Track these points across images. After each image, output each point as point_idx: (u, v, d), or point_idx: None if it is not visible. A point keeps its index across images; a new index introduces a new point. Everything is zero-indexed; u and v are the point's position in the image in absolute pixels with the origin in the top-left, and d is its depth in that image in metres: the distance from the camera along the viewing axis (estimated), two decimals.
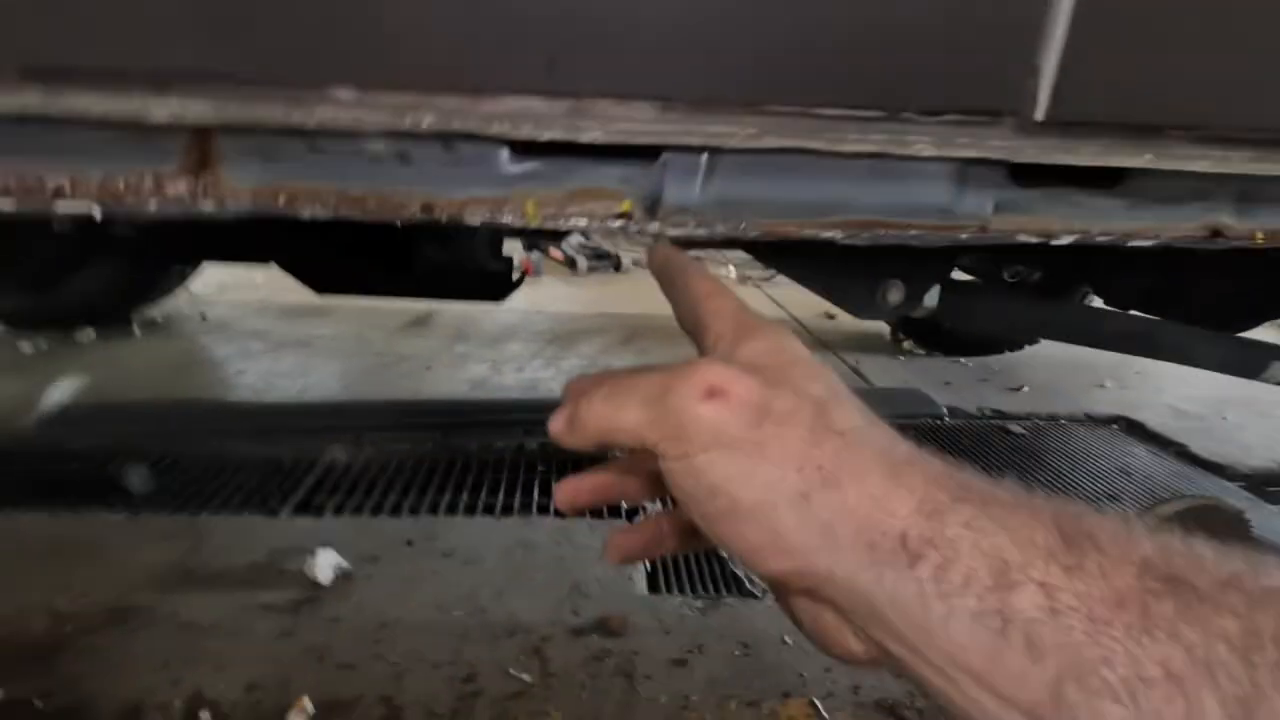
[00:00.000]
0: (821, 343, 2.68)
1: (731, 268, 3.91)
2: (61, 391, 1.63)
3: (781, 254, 0.85)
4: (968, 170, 0.52)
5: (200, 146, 0.49)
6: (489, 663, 0.89)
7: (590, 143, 0.44)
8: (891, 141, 0.44)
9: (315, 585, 1.02)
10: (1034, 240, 0.56)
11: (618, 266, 3.88)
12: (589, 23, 0.39)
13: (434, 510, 1.29)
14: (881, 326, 2.77)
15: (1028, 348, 2.46)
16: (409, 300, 1.66)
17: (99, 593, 0.98)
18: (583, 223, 0.53)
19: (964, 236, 0.54)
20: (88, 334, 2.15)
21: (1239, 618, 0.18)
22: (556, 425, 0.30)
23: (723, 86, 0.42)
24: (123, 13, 0.38)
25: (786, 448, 0.24)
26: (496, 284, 1.12)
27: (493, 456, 1.53)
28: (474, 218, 0.52)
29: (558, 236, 2.42)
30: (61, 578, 1.01)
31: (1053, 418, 1.94)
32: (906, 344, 2.58)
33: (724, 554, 1.19)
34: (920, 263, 0.83)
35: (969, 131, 0.44)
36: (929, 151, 0.44)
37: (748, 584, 1.11)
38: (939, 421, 1.85)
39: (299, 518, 1.23)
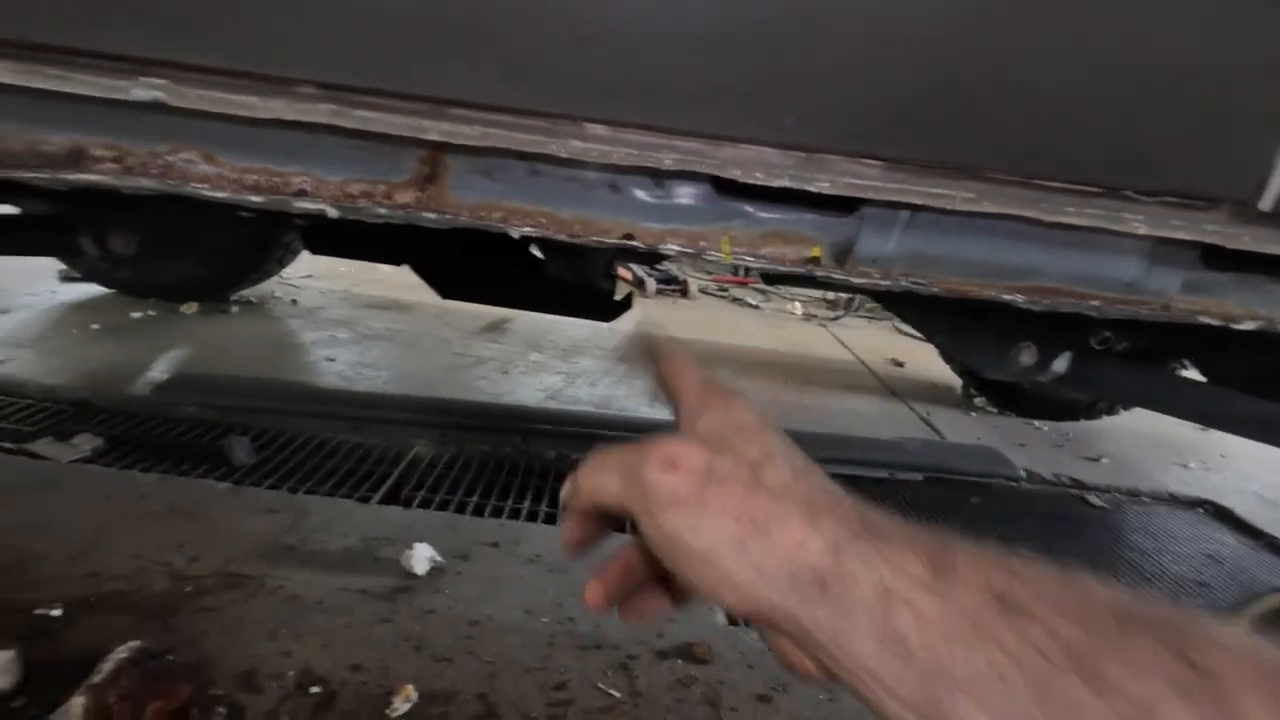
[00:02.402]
0: (890, 389, 2.65)
1: (798, 304, 3.90)
2: (170, 361, 1.73)
3: (910, 304, 0.86)
4: (1160, 248, 0.53)
5: (432, 162, 0.53)
6: (578, 673, 0.91)
7: (816, 192, 0.46)
8: (1107, 217, 0.45)
9: (409, 575, 1.06)
10: (1214, 323, 0.56)
11: (685, 293, 3.91)
12: (836, 86, 0.42)
13: (515, 515, 1.32)
14: (951, 379, 2.73)
15: (1105, 417, 2.39)
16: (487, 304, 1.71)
17: (211, 557, 1.03)
18: (767, 264, 0.55)
19: (1144, 313, 0.54)
20: (191, 307, 2.27)
21: (1043, 623, 0.24)
22: (565, 490, 0.38)
23: (949, 152, 0.44)
24: (417, 43, 0.42)
25: (725, 503, 0.30)
26: (610, 305, 1.15)
27: (570, 468, 1.56)
28: (670, 249, 0.54)
29: (653, 259, 2.45)
30: (176, 538, 1.07)
31: (1134, 493, 1.88)
32: (978, 400, 2.53)
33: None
34: (1056, 328, 0.83)
35: (1184, 215, 0.45)
36: (1142, 230, 0.45)
37: None
38: (1015, 484, 1.81)
39: (387, 507, 1.28)
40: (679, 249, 0.54)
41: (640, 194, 0.53)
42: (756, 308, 4.17)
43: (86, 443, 1.36)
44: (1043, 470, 1.93)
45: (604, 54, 0.43)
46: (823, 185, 0.45)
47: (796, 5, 0.42)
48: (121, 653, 0.77)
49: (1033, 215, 0.46)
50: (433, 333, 2.51)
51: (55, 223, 1.17)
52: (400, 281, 3.25)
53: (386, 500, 1.31)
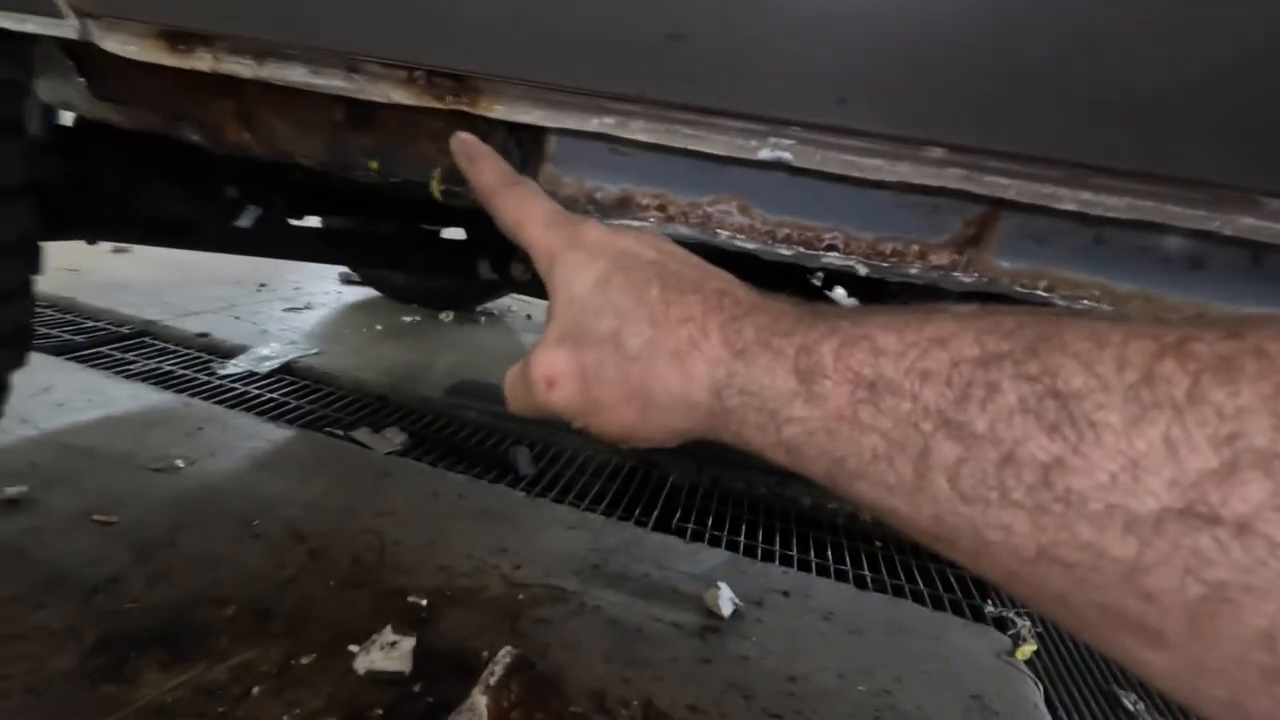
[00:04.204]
0: None
1: None
2: (448, 365, 1.88)
3: None
4: None
5: (980, 224, 0.50)
6: None
7: None
8: None
9: (713, 615, 1.05)
10: None
11: None
12: None
13: (786, 562, 1.28)
14: None
15: None
16: None
17: (532, 567, 1.09)
18: None
19: None
20: (448, 315, 2.48)
21: (910, 396, 0.25)
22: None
23: None
24: (1078, 108, 0.40)
25: (614, 398, 0.34)
26: None
27: (825, 517, 1.51)
28: None
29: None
30: (498, 542, 1.14)
31: None
32: None
33: (1127, 702, 1.05)
34: None
35: None
36: None
37: None
38: None
39: (670, 537, 1.28)
40: None
41: (1229, 270, 0.47)
42: None
43: (395, 436, 1.51)
44: None
45: None
46: None
47: None
48: (504, 658, 0.81)
49: None
50: None
51: (467, 249, 1.32)
52: None
53: (658, 528, 1.32)
